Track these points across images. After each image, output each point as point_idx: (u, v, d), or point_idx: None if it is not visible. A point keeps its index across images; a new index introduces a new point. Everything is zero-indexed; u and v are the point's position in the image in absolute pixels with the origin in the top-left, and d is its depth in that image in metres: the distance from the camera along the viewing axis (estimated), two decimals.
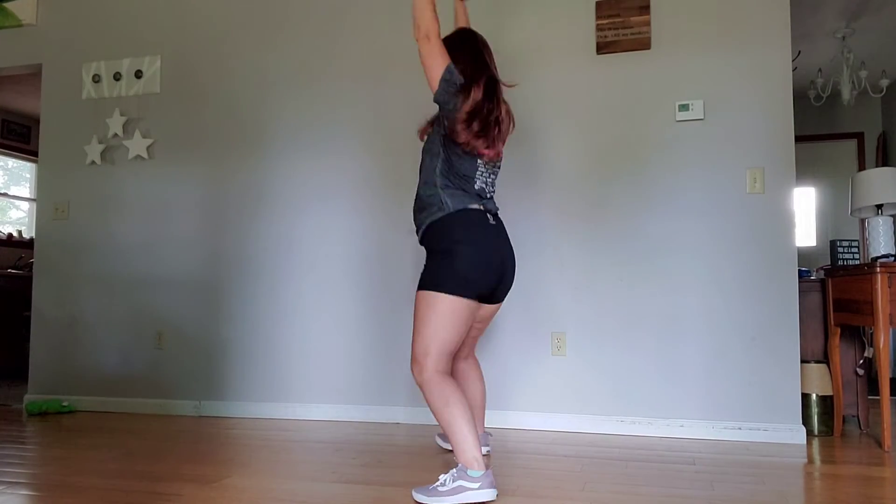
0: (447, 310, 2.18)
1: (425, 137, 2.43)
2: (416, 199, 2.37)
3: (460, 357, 2.59)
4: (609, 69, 3.29)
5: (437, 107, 2.36)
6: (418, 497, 2.03)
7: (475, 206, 2.27)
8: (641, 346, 3.16)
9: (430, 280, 2.21)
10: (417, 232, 2.36)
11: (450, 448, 2.61)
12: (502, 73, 3.42)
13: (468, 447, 2.06)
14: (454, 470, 2.07)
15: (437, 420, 2.16)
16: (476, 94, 2.25)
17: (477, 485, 2.01)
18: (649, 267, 3.18)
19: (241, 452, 2.72)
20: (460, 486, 2.02)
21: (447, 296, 2.18)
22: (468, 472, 2.03)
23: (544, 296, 3.29)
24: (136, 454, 2.68)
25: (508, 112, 2.43)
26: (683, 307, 3.13)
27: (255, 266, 3.69)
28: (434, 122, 2.40)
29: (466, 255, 2.20)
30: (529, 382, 3.27)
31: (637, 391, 3.15)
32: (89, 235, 3.97)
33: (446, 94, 2.25)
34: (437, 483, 2.06)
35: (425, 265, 2.29)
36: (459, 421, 2.09)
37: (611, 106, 3.28)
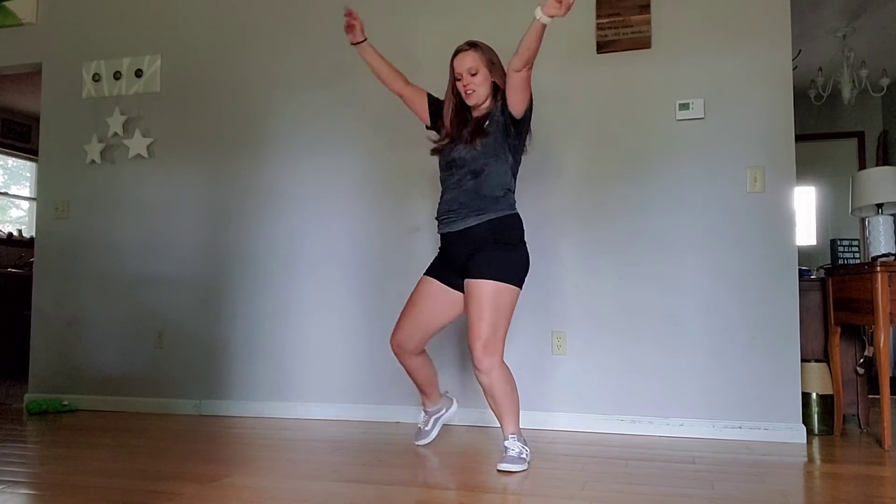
0: (513, 302, 2.45)
1: (479, 145, 2.48)
2: (477, 192, 2.46)
3: (423, 346, 2.72)
4: (609, 68, 3.29)
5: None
6: (513, 467, 2.36)
7: None
8: (642, 345, 3.16)
9: (504, 273, 2.41)
10: (472, 217, 2.45)
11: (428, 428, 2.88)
12: None
13: (519, 421, 2.51)
14: (515, 438, 2.44)
15: (503, 401, 2.43)
16: None
17: (528, 448, 2.50)
18: (650, 266, 3.18)
19: (242, 451, 2.72)
20: (526, 449, 2.46)
21: (515, 288, 2.44)
22: (522, 439, 2.49)
23: (544, 295, 3.29)
24: (137, 453, 2.68)
25: None
26: (684, 306, 3.13)
27: (256, 265, 3.69)
28: (488, 133, 2.49)
29: (527, 255, 2.51)
30: (529, 382, 3.27)
31: (637, 390, 3.15)
32: (89, 234, 3.97)
33: (531, 115, 2.52)
34: (514, 452, 2.40)
35: (487, 255, 2.42)
36: (518, 400, 2.49)
37: (611, 105, 3.28)
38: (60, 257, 4.02)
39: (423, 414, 2.89)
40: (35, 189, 6.71)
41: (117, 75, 3.97)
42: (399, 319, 2.66)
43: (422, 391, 2.81)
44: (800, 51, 4.91)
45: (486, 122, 2.50)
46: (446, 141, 2.58)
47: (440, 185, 2.62)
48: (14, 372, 5.62)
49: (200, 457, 2.62)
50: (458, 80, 2.53)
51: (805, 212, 6.31)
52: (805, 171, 6.06)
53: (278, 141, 3.71)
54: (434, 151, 2.64)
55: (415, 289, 2.66)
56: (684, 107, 3.17)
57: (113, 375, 3.86)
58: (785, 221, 3.05)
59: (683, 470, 2.43)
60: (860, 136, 6.06)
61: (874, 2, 4.31)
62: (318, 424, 3.33)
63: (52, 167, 4.08)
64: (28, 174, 6.96)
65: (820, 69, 5.14)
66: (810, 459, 2.64)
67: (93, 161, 3.97)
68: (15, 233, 6.53)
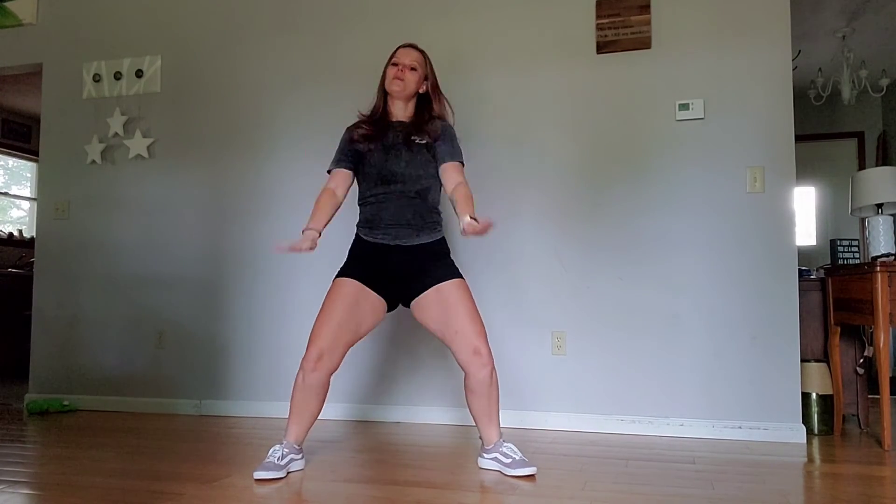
0: None
1: (422, 164, 2.48)
2: (429, 210, 2.50)
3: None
4: (609, 68, 3.29)
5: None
6: (525, 471, 2.30)
7: None
8: (642, 345, 3.16)
9: (461, 275, 2.46)
10: (419, 235, 2.45)
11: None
12: (501, 73, 3.44)
13: None
14: (503, 441, 2.40)
15: (496, 396, 2.40)
16: None
17: None
18: (650, 266, 3.18)
19: (242, 451, 2.72)
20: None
21: None
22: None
23: (544, 295, 3.29)
24: (137, 453, 2.68)
25: None
26: (684, 306, 3.13)
27: (256, 265, 3.69)
28: (430, 156, 2.52)
29: None
30: (529, 382, 3.27)
31: (637, 390, 3.15)
32: (90, 235, 3.98)
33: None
34: (516, 456, 2.35)
35: (445, 262, 2.46)
36: None
37: (611, 105, 3.28)
38: (61, 257, 4.02)
39: (283, 448, 2.35)
40: (35, 189, 6.71)
41: (118, 75, 3.98)
42: (318, 327, 2.34)
43: (300, 423, 2.38)
44: (800, 51, 4.91)
45: (432, 147, 2.50)
46: (373, 146, 2.48)
47: (366, 188, 2.50)
48: (14, 372, 5.62)
49: (200, 457, 2.62)
50: (394, 65, 2.51)
51: (805, 212, 6.31)
52: (805, 171, 6.06)
53: (278, 141, 3.71)
54: (361, 140, 2.50)
55: (334, 292, 2.39)
56: (684, 107, 3.17)
57: (113, 375, 3.86)
58: (785, 221, 3.05)
59: (683, 470, 2.43)
60: (860, 136, 6.07)
61: (874, 2, 4.31)
62: (318, 424, 3.33)
63: (52, 167, 4.08)
64: (28, 174, 6.96)
65: (820, 69, 5.15)
66: (810, 459, 2.64)
67: (93, 161, 3.97)
68: (15, 233, 6.53)
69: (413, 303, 2.46)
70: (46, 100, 4.13)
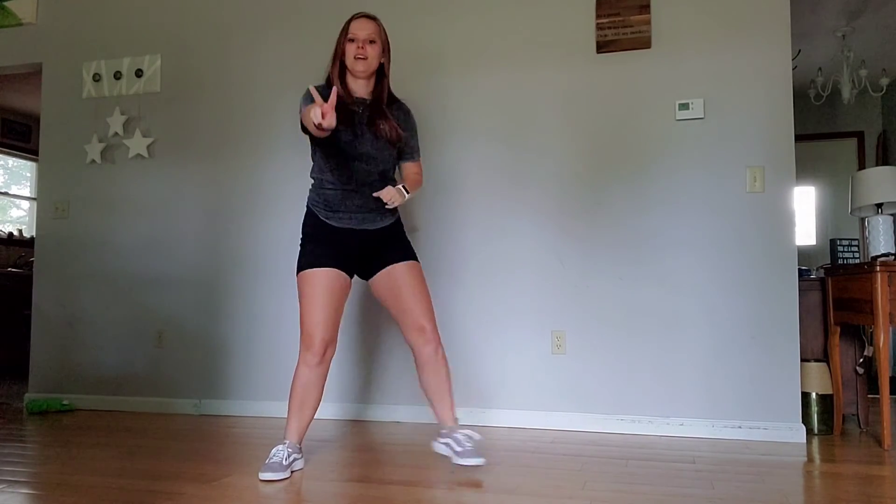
0: None
1: (388, 149, 2.48)
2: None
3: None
4: (609, 68, 3.29)
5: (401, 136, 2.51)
6: (474, 462, 2.31)
7: None
8: (641, 344, 3.16)
9: (416, 257, 2.55)
10: (383, 218, 2.49)
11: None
12: (501, 72, 3.43)
13: None
14: (459, 427, 2.42)
15: (449, 377, 2.48)
16: None
17: None
18: (649, 266, 3.18)
19: (242, 451, 2.72)
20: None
21: None
22: None
23: (544, 294, 3.29)
24: (137, 453, 2.68)
25: None
26: (683, 306, 3.13)
27: (256, 264, 3.69)
28: (396, 153, 2.54)
29: None
30: (529, 381, 3.27)
31: (637, 390, 3.15)
32: (89, 234, 3.98)
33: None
34: (468, 445, 2.36)
35: (401, 241, 2.53)
36: None
37: (611, 105, 3.28)
38: (60, 257, 4.02)
39: (287, 448, 2.33)
40: (35, 189, 6.71)
41: (117, 75, 3.97)
42: (312, 319, 2.34)
43: (301, 420, 2.37)
44: (799, 51, 4.91)
45: (397, 133, 2.46)
46: (340, 127, 2.35)
47: (328, 168, 2.43)
48: (14, 372, 5.61)
49: (200, 457, 2.62)
50: (351, 41, 2.41)
51: (805, 212, 6.31)
52: (805, 170, 6.06)
53: (278, 140, 3.71)
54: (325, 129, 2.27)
55: (315, 283, 2.36)
56: (684, 107, 3.17)
57: (113, 375, 3.86)
58: (785, 221, 3.05)
59: (683, 470, 2.43)
60: (860, 135, 6.06)
61: (874, 2, 4.31)
62: (318, 424, 3.33)
63: (52, 167, 4.08)
64: (28, 174, 6.96)
65: (820, 69, 5.14)
66: (810, 459, 2.64)
67: (93, 161, 3.97)
68: (15, 232, 6.53)
69: (371, 280, 2.53)
70: (46, 99, 4.13)
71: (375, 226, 2.47)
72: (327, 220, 2.44)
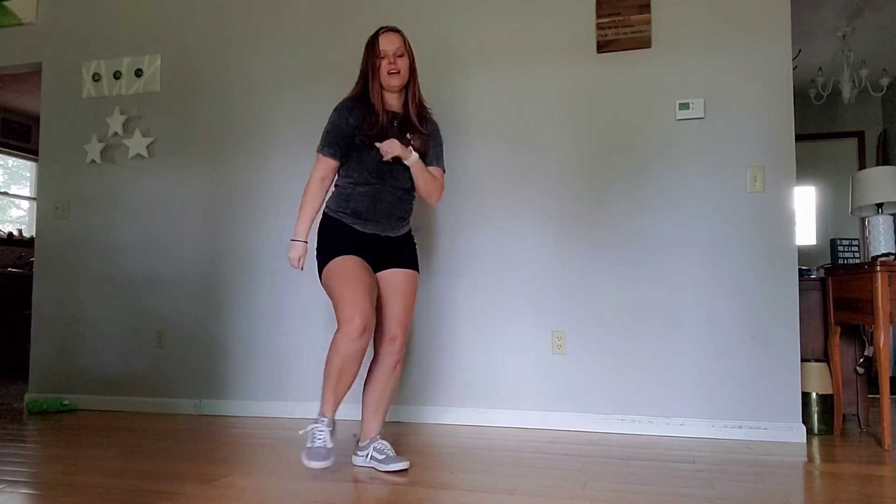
0: None
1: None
2: (407, 204, 2.55)
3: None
4: (609, 68, 3.29)
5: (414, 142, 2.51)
6: (399, 466, 2.38)
7: None
8: (642, 344, 3.16)
9: (418, 268, 2.61)
10: (403, 226, 2.56)
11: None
12: (502, 72, 3.43)
13: None
14: (378, 438, 2.49)
15: (387, 397, 2.52)
16: None
17: None
18: (649, 265, 3.18)
19: (242, 451, 2.72)
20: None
21: None
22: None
23: (544, 295, 3.29)
24: (137, 453, 2.68)
25: None
26: (684, 306, 3.13)
27: (256, 264, 3.69)
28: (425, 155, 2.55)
29: None
30: (530, 381, 3.27)
31: (637, 390, 3.15)
32: (89, 234, 3.97)
33: None
34: (389, 452, 2.44)
35: (410, 252, 2.56)
36: None
37: (611, 104, 3.28)
38: (60, 257, 4.02)
39: (326, 427, 2.31)
40: (35, 189, 6.71)
41: (117, 75, 3.97)
42: (352, 294, 2.27)
43: (337, 394, 2.32)
44: (800, 50, 4.91)
45: (426, 147, 2.51)
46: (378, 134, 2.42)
47: (362, 179, 2.43)
48: (14, 372, 5.62)
49: (200, 457, 2.62)
50: (382, 58, 2.43)
51: (805, 211, 6.31)
52: (805, 170, 6.06)
53: (278, 140, 3.71)
54: (368, 141, 2.41)
55: (349, 265, 2.35)
56: (684, 106, 3.17)
57: (113, 375, 3.86)
58: (785, 221, 3.05)
59: (683, 470, 2.43)
60: (860, 135, 6.06)
61: (874, 2, 4.31)
62: None
63: (52, 167, 4.08)
64: (28, 174, 6.96)
65: (820, 69, 5.14)
66: (810, 459, 2.64)
67: (93, 161, 3.97)
68: (15, 232, 6.53)
69: (377, 274, 2.54)
70: (46, 99, 4.13)
71: (396, 233, 2.53)
72: (353, 226, 2.46)
